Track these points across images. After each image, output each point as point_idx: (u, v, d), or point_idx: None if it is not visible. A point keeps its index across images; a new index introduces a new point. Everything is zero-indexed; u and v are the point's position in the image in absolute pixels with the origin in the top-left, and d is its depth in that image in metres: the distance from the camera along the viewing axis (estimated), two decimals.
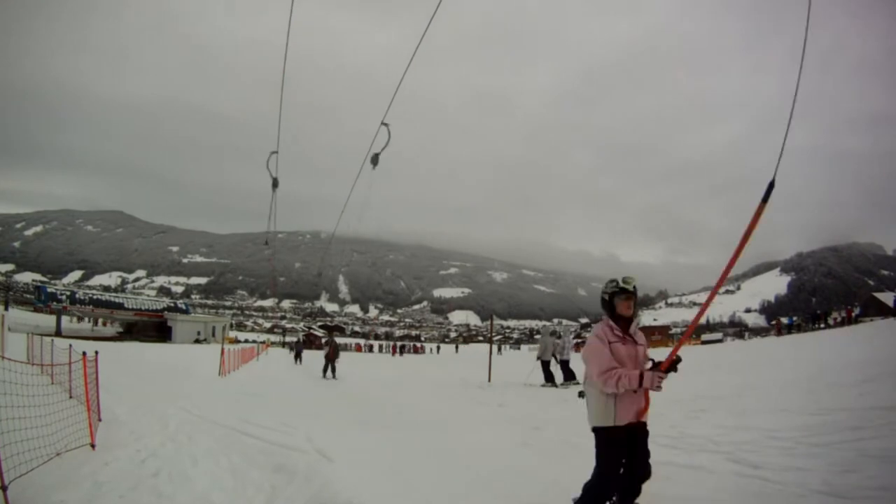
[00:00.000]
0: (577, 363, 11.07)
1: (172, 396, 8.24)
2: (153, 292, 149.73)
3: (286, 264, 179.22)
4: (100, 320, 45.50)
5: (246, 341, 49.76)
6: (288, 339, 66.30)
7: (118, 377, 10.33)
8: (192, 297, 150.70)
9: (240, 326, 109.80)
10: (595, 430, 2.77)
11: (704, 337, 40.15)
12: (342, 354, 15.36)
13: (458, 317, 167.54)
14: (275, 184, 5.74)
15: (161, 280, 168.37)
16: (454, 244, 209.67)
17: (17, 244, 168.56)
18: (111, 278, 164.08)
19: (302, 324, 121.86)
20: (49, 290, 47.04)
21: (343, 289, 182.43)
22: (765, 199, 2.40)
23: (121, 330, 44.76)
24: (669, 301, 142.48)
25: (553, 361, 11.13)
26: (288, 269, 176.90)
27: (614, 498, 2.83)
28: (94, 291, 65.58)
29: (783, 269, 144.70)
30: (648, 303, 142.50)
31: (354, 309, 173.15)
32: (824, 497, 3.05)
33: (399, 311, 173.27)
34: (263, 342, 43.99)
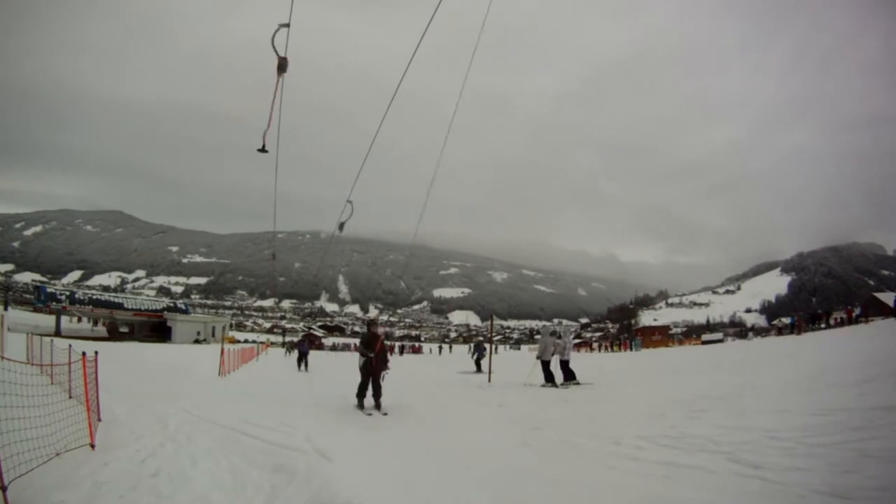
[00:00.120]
0: (576, 363, 11.10)
1: (172, 397, 8.24)
2: (153, 292, 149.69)
3: (286, 264, 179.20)
4: (99, 320, 45.48)
5: (246, 341, 49.77)
6: (288, 339, 65.81)
7: (118, 377, 10.32)
8: (192, 297, 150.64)
9: (239, 326, 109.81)
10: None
11: (705, 337, 40.16)
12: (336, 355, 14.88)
13: (458, 317, 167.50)
14: (281, 66, 4.01)
15: (161, 280, 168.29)
16: (454, 244, 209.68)
17: (16, 244, 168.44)
18: (111, 278, 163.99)
19: (302, 324, 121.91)
20: (48, 290, 47.01)
21: (343, 289, 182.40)
22: None
23: (125, 330, 44.73)
24: (670, 301, 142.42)
25: (553, 361, 11.14)
26: (288, 269, 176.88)
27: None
28: (93, 291, 65.57)
29: (783, 269, 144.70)
30: (649, 303, 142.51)
31: (354, 309, 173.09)
32: (825, 497, 3.04)
33: (399, 311, 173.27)
34: (263, 342, 43.97)
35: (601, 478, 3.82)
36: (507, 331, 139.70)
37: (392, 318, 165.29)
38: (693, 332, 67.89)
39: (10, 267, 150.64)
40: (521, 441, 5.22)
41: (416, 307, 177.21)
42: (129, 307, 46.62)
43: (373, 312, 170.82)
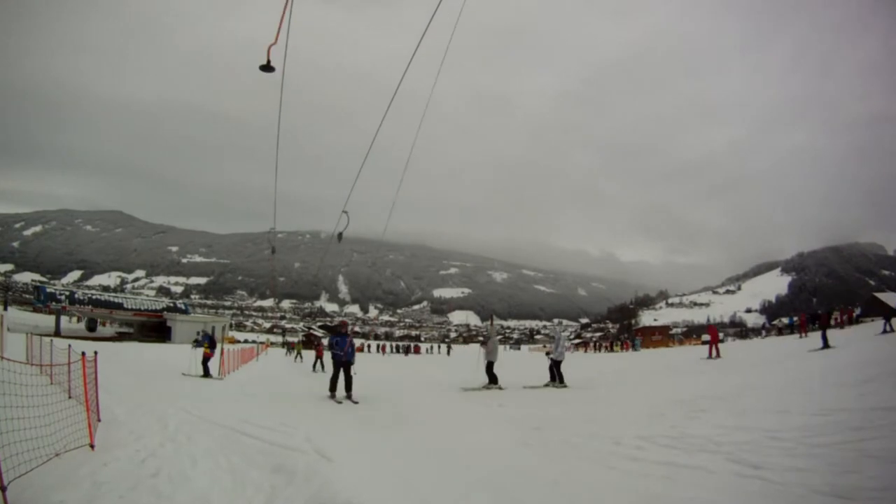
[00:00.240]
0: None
1: (172, 397, 8.24)
2: (152, 292, 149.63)
3: (286, 264, 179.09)
4: (98, 321, 45.47)
5: (245, 341, 49.76)
6: (289, 339, 65.64)
7: (118, 377, 10.32)
8: (192, 297, 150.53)
9: (239, 326, 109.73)
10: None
11: (705, 337, 40.14)
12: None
13: (458, 317, 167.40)
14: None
15: (160, 280, 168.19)
16: (454, 244, 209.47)
17: (15, 244, 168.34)
18: (110, 278, 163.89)
19: (301, 324, 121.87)
20: (48, 290, 47.00)
21: (343, 289, 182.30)
22: None
23: (120, 330, 44.72)
24: (670, 301, 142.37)
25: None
26: (287, 269, 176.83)
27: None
28: (93, 291, 65.56)
29: (784, 269, 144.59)
30: (649, 303, 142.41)
31: (354, 309, 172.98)
32: (825, 498, 3.04)
33: (399, 311, 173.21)
34: (263, 342, 43.97)
35: (601, 478, 3.82)
36: (508, 331, 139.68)
37: (392, 318, 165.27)
38: (693, 333, 67.88)
39: (9, 267, 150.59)
40: (521, 441, 5.22)
41: (416, 307, 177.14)
42: (129, 307, 46.61)
43: (373, 312, 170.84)
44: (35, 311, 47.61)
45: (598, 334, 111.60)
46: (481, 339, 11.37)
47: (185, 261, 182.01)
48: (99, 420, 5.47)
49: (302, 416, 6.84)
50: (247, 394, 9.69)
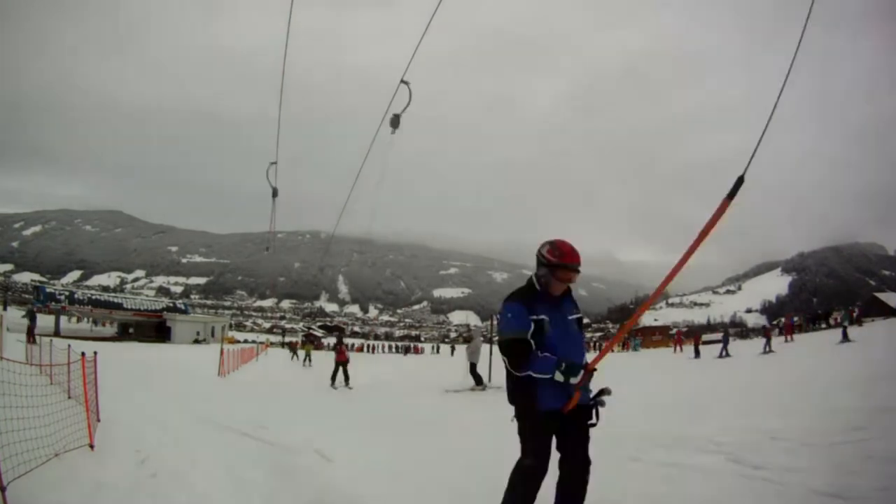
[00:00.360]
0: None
1: (171, 397, 8.23)
2: (152, 292, 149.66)
3: (285, 264, 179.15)
4: (98, 320, 45.45)
5: (245, 341, 49.74)
6: (289, 339, 65.54)
7: (117, 378, 10.30)
8: (192, 297, 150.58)
9: (239, 327, 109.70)
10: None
11: (705, 337, 40.14)
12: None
13: (458, 317, 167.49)
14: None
15: (160, 280, 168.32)
16: (454, 244, 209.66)
17: (15, 244, 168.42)
18: (110, 278, 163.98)
19: (301, 324, 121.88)
20: (48, 290, 46.95)
21: (343, 289, 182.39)
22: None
23: (117, 331, 44.68)
24: (670, 301, 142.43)
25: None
26: (287, 269, 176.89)
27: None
28: (92, 291, 65.53)
29: (784, 269, 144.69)
30: None
31: (354, 309, 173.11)
32: (826, 498, 3.03)
33: (399, 311, 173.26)
34: (263, 342, 43.95)
35: (602, 478, 3.81)
36: None
37: (392, 319, 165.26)
38: (694, 333, 67.86)
39: (9, 267, 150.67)
40: None
41: (416, 307, 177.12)
42: (129, 307, 46.58)
43: (373, 312, 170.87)
44: (35, 311, 47.58)
45: (598, 334, 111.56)
46: (463, 339, 11.42)
47: (184, 261, 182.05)
48: (98, 420, 5.45)
49: (302, 416, 6.84)
50: (247, 394, 9.68)
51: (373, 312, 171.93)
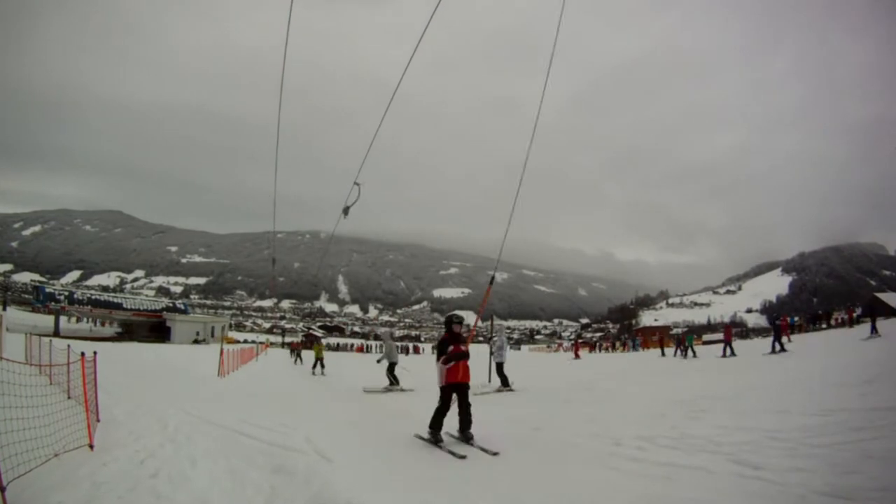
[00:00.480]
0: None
1: (171, 397, 8.23)
2: (152, 292, 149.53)
3: (285, 264, 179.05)
4: (97, 320, 45.41)
5: (245, 342, 49.72)
6: (289, 339, 65.46)
7: (117, 378, 10.30)
8: (191, 297, 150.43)
9: (239, 327, 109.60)
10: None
11: (706, 337, 40.09)
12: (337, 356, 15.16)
13: None
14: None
15: (160, 280, 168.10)
16: (454, 244, 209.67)
17: (14, 244, 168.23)
18: (109, 278, 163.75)
19: (301, 324, 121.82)
20: (47, 290, 46.91)
21: (343, 289, 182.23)
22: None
23: (119, 330, 44.64)
24: (670, 301, 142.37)
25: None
26: (287, 269, 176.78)
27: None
28: (92, 291, 65.48)
29: (784, 269, 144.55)
30: (649, 303, 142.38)
31: (354, 309, 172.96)
32: (826, 498, 3.04)
33: (399, 311, 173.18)
34: (263, 343, 43.93)
35: (601, 478, 3.81)
36: (508, 331, 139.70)
37: (392, 319, 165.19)
38: (694, 333, 67.88)
39: (8, 267, 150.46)
40: (522, 441, 5.21)
41: (416, 307, 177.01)
42: (128, 307, 46.56)
43: (373, 312, 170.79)
44: (34, 311, 47.56)
45: (598, 334, 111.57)
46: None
47: (184, 261, 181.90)
48: (98, 420, 5.45)
49: (302, 416, 6.83)
50: (246, 394, 9.68)
51: (373, 312, 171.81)
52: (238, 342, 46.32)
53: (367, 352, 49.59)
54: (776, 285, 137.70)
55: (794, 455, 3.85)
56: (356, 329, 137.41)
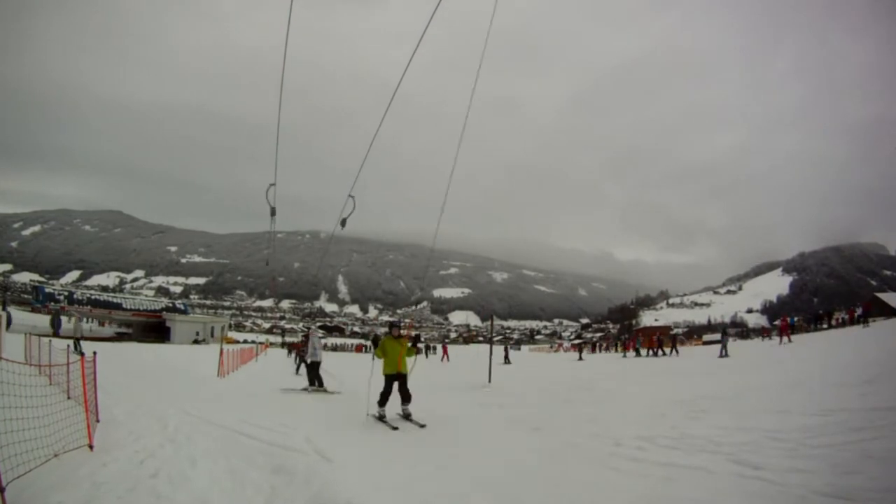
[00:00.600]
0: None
1: (171, 397, 8.22)
2: (151, 292, 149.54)
3: (285, 264, 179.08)
4: (94, 320, 45.38)
5: (245, 342, 49.72)
6: (289, 339, 65.41)
7: (116, 378, 10.29)
8: (191, 297, 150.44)
9: (239, 327, 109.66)
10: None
11: (706, 337, 40.14)
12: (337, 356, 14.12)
13: (458, 317, 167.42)
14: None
15: (159, 280, 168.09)
16: (454, 244, 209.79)
17: (14, 244, 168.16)
18: (109, 278, 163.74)
19: (301, 324, 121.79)
20: (47, 290, 46.93)
21: (342, 289, 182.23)
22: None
23: (119, 330, 44.65)
24: (671, 301, 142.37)
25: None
26: (287, 269, 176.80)
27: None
28: (92, 291, 65.48)
29: (785, 269, 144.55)
30: (649, 303, 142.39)
31: (354, 309, 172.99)
32: (826, 499, 3.03)
33: (399, 311, 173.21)
34: (262, 343, 43.92)
35: (602, 478, 3.81)
36: (508, 331, 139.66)
37: (392, 319, 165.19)
38: (694, 333, 67.89)
39: (8, 267, 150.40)
40: (523, 442, 5.21)
41: (416, 307, 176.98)
42: (128, 307, 46.55)
43: (373, 312, 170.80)
44: (34, 311, 47.52)
45: (598, 334, 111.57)
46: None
47: (184, 261, 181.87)
48: (98, 421, 5.45)
49: (302, 416, 6.83)
50: (246, 394, 9.67)
51: (372, 312, 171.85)
52: (238, 342, 46.32)
53: (367, 351, 49.67)
54: (777, 285, 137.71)
55: (795, 455, 3.85)
56: (356, 329, 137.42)
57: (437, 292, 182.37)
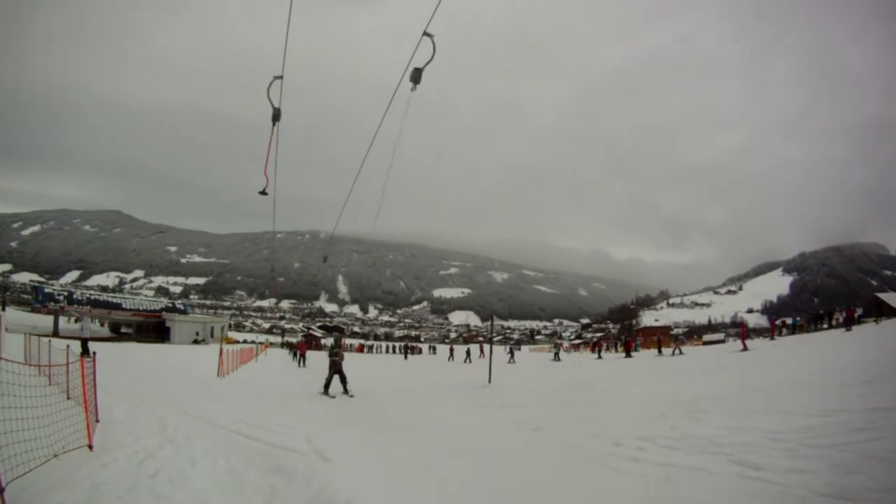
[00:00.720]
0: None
1: (171, 397, 8.21)
2: (151, 292, 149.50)
3: (285, 264, 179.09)
4: (96, 320, 45.37)
5: (245, 342, 49.71)
6: (288, 339, 65.49)
7: (116, 378, 10.29)
8: (191, 297, 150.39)
9: (238, 327, 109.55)
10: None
11: (706, 337, 40.09)
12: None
13: (458, 317, 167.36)
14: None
15: (159, 280, 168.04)
16: (454, 244, 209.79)
17: (14, 244, 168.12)
18: (109, 278, 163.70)
19: (301, 324, 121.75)
20: (46, 290, 46.84)
21: (342, 289, 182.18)
22: None
23: (116, 331, 44.63)
24: (671, 301, 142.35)
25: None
26: (287, 269, 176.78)
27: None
28: (91, 291, 65.45)
29: (785, 270, 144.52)
30: (650, 303, 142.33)
31: (354, 309, 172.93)
32: (826, 499, 3.03)
33: (399, 311, 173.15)
34: (262, 343, 43.90)
35: (602, 479, 3.81)
36: (508, 331, 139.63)
37: (392, 319, 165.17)
38: (694, 333, 67.93)
39: (7, 267, 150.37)
40: (523, 442, 5.21)
41: (416, 307, 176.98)
42: (128, 307, 46.53)
43: (372, 313, 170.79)
44: (33, 311, 47.50)
45: (598, 334, 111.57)
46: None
47: (183, 261, 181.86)
48: (97, 421, 5.44)
49: (301, 416, 6.83)
50: (246, 394, 9.67)
51: (372, 313, 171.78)
52: (238, 342, 46.31)
53: (369, 351, 49.67)
54: (777, 285, 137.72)
55: (795, 456, 3.85)
56: (356, 329, 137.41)
57: (437, 292, 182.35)
